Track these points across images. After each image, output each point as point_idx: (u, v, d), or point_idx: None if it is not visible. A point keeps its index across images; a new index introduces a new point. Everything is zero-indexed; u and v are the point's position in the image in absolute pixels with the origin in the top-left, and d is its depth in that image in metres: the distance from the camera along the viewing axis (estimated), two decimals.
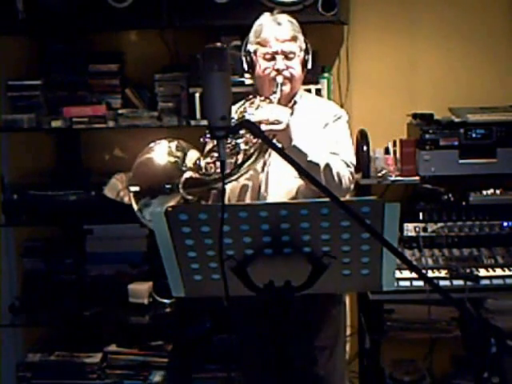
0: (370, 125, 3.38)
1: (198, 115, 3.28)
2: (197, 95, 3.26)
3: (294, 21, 2.53)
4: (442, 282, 3.06)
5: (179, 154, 2.31)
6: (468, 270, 3.11)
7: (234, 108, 2.48)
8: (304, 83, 2.65)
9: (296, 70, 2.51)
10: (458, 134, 3.22)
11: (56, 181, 3.57)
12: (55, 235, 3.69)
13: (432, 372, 3.46)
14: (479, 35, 3.52)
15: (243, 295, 1.90)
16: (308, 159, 2.32)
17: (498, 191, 3.32)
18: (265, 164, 2.49)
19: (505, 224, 3.28)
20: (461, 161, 3.22)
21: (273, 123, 2.27)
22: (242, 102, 2.55)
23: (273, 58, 2.49)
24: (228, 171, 2.25)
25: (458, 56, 3.55)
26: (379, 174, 3.31)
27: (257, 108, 2.44)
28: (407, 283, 3.05)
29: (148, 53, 3.59)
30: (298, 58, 2.51)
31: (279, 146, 2.27)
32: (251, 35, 2.55)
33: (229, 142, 2.31)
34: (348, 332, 3.42)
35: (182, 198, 2.24)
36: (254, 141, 2.31)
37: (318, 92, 3.19)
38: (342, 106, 3.16)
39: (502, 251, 3.24)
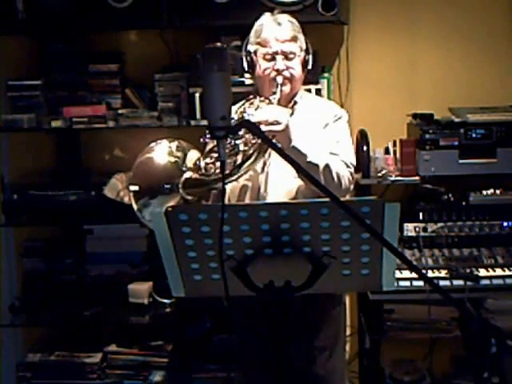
0: (369, 125, 3.38)
1: (198, 115, 3.28)
2: (197, 95, 3.26)
3: (294, 21, 2.53)
4: (442, 282, 3.06)
5: (179, 154, 2.31)
6: (468, 270, 3.11)
7: (234, 108, 2.48)
8: (304, 83, 2.65)
9: (296, 70, 2.51)
10: (458, 134, 3.22)
11: (56, 181, 3.57)
12: (55, 235, 3.69)
13: (432, 372, 3.45)
14: (479, 35, 3.52)
15: (243, 295, 1.90)
16: (307, 160, 2.32)
17: (498, 191, 3.32)
18: (264, 164, 2.49)
19: (505, 224, 3.28)
20: (461, 161, 3.22)
21: (272, 124, 2.27)
22: (242, 103, 2.55)
23: (273, 59, 2.49)
24: (227, 172, 2.25)
25: (458, 56, 3.55)
26: (379, 174, 3.31)
27: (256, 108, 2.44)
28: (407, 283, 3.05)
29: (148, 53, 3.59)
30: (298, 58, 2.51)
31: (279, 145, 2.27)
32: (251, 35, 2.55)
33: (228, 142, 2.31)
34: (348, 332, 3.42)
35: (181, 199, 2.24)
36: (253, 141, 2.31)
37: (318, 92, 3.20)
38: (342, 106, 3.16)
39: (501, 251, 3.24)
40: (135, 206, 2.26)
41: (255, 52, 2.52)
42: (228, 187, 2.41)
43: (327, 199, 1.70)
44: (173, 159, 2.29)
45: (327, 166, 2.35)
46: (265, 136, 1.99)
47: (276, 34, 2.48)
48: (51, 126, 3.37)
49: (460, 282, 3.08)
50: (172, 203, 2.21)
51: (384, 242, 1.71)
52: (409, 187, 3.44)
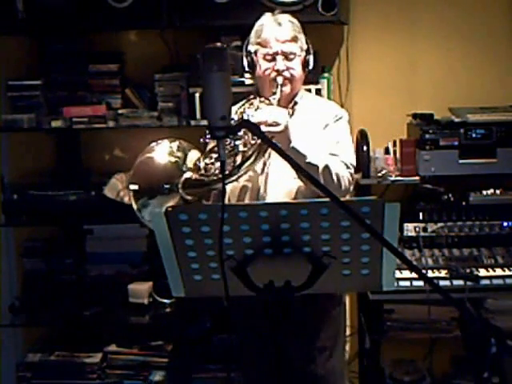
0: (370, 125, 3.38)
1: (198, 115, 3.28)
2: (197, 95, 3.26)
3: (295, 21, 2.53)
4: (442, 282, 3.06)
5: (180, 154, 2.31)
6: (468, 270, 3.11)
7: (233, 109, 2.49)
8: (304, 83, 2.64)
9: (296, 70, 2.51)
10: (458, 134, 3.22)
11: (56, 181, 3.57)
12: (55, 235, 3.69)
13: (432, 372, 3.45)
14: (479, 35, 3.52)
15: (243, 295, 1.90)
16: (307, 161, 2.32)
17: (498, 191, 3.32)
18: (264, 165, 2.49)
19: (505, 224, 3.28)
20: (461, 161, 3.22)
21: (271, 125, 2.27)
22: (242, 103, 2.55)
23: (273, 59, 2.48)
24: (227, 172, 2.25)
25: (458, 56, 3.55)
26: (379, 174, 3.31)
27: (256, 109, 2.44)
28: (407, 283, 3.05)
29: (148, 53, 3.59)
30: (298, 58, 2.51)
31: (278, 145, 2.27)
32: (252, 35, 2.54)
33: (228, 143, 2.31)
34: (348, 332, 3.42)
35: (180, 199, 2.24)
36: (253, 142, 2.31)
37: (318, 92, 3.20)
38: (342, 106, 3.15)
39: (501, 251, 3.24)
40: (135, 206, 2.26)
41: (255, 52, 2.52)
42: (228, 187, 2.41)
43: (327, 199, 1.70)
44: (173, 159, 2.30)
45: (327, 167, 2.35)
46: (264, 136, 1.98)
47: (276, 35, 2.48)
48: (51, 126, 3.37)
49: (460, 282, 3.08)
50: (171, 203, 2.21)
51: (384, 242, 1.71)
52: (409, 187, 3.44)
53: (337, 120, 2.56)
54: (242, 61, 2.57)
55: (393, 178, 3.30)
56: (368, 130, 3.34)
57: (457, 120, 3.28)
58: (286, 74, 2.49)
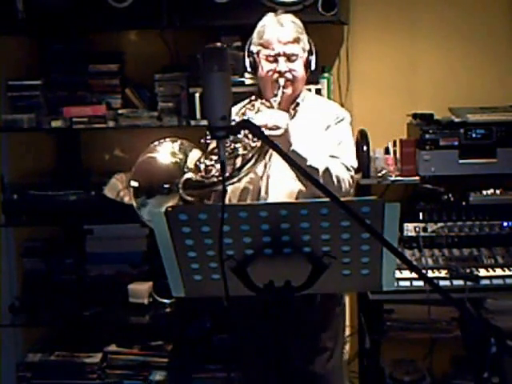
0: (370, 125, 3.38)
1: (198, 115, 3.28)
2: (197, 95, 3.26)
3: (297, 21, 2.52)
4: (442, 282, 3.06)
5: (181, 154, 2.31)
6: (468, 270, 3.11)
7: (235, 109, 2.49)
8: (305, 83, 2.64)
9: (298, 71, 2.51)
10: (458, 134, 3.22)
11: (56, 181, 3.57)
12: (55, 235, 3.69)
13: (432, 372, 3.46)
14: (479, 35, 3.52)
15: (243, 295, 1.90)
16: (307, 164, 2.31)
17: (498, 191, 3.32)
18: (265, 167, 2.48)
19: (505, 224, 3.28)
20: (461, 161, 3.22)
21: (271, 129, 2.27)
22: (244, 104, 2.55)
23: (275, 60, 2.48)
24: (228, 174, 2.25)
25: (458, 56, 3.55)
26: (379, 174, 3.31)
27: (257, 112, 2.43)
28: (407, 283, 3.05)
29: (148, 53, 3.59)
30: (300, 59, 2.50)
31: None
32: (254, 36, 2.54)
33: (228, 145, 2.31)
34: (348, 332, 3.43)
35: (180, 200, 2.24)
36: (253, 145, 2.31)
37: (318, 92, 3.19)
38: (342, 106, 3.15)
39: (501, 251, 3.24)
40: (134, 204, 2.26)
41: (258, 53, 2.52)
42: (229, 188, 2.41)
43: (327, 199, 1.70)
44: (174, 159, 2.30)
45: (327, 170, 2.35)
46: (265, 136, 1.98)
47: (279, 36, 2.47)
48: (51, 126, 3.37)
49: (460, 282, 3.08)
50: (170, 204, 2.20)
51: (384, 242, 1.71)
52: (409, 187, 3.44)
53: (338, 121, 2.55)
54: (244, 61, 2.57)
55: (393, 178, 3.30)
56: (368, 129, 3.34)
57: (457, 120, 3.28)
58: (288, 75, 2.48)
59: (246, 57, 2.56)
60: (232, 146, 2.32)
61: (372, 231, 1.72)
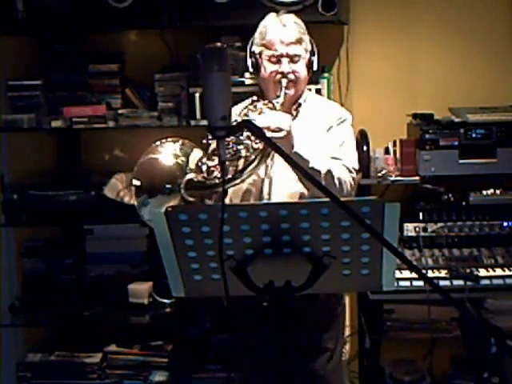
0: (370, 125, 3.38)
1: (198, 115, 3.28)
2: (197, 95, 3.26)
3: (299, 22, 2.52)
4: (442, 282, 3.06)
5: (183, 154, 2.31)
6: (468, 270, 3.11)
7: (237, 109, 2.48)
8: None
9: (301, 72, 2.50)
10: (458, 134, 3.22)
11: (56, 181, 3.57)
12: (55, 235, 3.69)
13: (432, 372, 3.46)
14: (479, 35, 3.52)
15: (243, 295, 1.90)
16: (309, 165, 2.31)
17: (498, 191, 3.32)
18: (267, 168, 2.48)
19: (505, 224, 3.28)
20: (461, 161, 3.22)
21: (274, 131, 2.27)
22: (246, 105, 2.54)
23: (278, 61, 2.47)
24: (230, 176, 2.25)
25: (458, 56, 3.55)
26: (379, 174, 3.31)
27: (259, 113, 2.43)
28: (407, 283, 3.05)
29: (148, 53, 3.59)
30: (303, 60, 2.50)
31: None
32: (256, 36, 2.53)
33: (230, 147, 2.31)
34: (348, 332, 3.43)
35: (181, 200, 2.24)
36: (256, 147, 2.31)
37: (318, 92, 3.19)
38: (341, 106, 3.16)
39: (501, 251, 3.24)
40: (136, 203, 2.26)
41: (260, 54, 2.51)
42: (231, 190, 2.40)
43: (327, 199, 1.70)
44: (176, 160, 2.29)
45: (329, 172, 2.34)
46: (265, 136, 1.98)
47: (281, 36, 2.46)
48: (51, 126, 3.37)
49: (460, 282, 3.08)
50: (171, 204, 2.20)
51: (384, 242, 1.71)
52: (409, 187, 3.44)
53: (340, 122, 2.55)
54: (245, 61, 2.57)
55: (393, 178, 3.31)
56: (368, 130, 3.33)
57: (457, 120, 3.28)
58: (291, 76, 2.48)
59: (248, 57, 2.56)
60: (234, 148, 2.31)
61: (372, 231, 1.72)
